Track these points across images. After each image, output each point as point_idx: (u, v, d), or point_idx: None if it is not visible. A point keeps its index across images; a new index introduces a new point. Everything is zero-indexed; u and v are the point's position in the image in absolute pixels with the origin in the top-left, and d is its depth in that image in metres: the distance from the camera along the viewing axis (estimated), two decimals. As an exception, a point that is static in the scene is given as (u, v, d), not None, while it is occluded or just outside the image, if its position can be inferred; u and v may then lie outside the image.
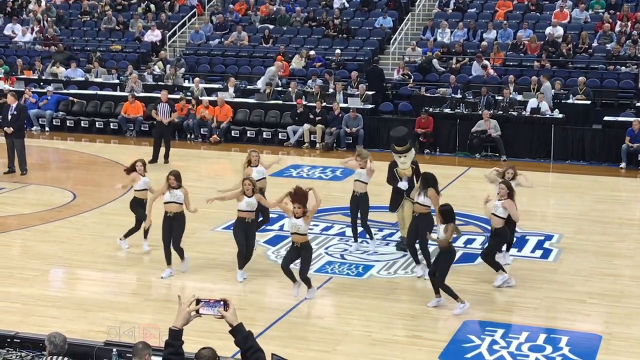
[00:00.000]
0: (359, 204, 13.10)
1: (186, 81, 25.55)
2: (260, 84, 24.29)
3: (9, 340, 7.84)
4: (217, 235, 13.97)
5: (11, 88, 24.84)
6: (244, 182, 11.82)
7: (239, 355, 5.20)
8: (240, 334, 5.05)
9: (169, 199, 11.94)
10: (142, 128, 23.42)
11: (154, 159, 19.94)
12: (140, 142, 22.87)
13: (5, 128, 18.62)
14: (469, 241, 13.69)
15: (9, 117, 18.55)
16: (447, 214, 10.71)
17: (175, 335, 5.13)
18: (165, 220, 11.98)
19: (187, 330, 5.18)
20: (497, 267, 11.66)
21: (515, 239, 12.89)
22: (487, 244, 12.27)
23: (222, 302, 5.01)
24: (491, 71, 24.25)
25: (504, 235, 11.75)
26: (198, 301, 5.06)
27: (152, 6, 30.53)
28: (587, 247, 13.81)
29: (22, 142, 18.68)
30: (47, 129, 24.25)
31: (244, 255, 11.90)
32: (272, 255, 13.05)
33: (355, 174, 13.22)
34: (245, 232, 11.81)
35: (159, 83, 25.25)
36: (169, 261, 12.05)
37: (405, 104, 23.35)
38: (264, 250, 13.24)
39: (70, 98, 24.67)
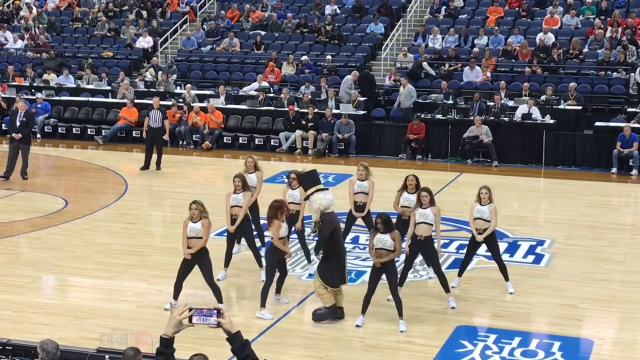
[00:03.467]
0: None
1: (178, 88, 25.54)
2: (341, 91, 23.66)
3: (0, 347, 7.83)
4: (211, 242, 13.91)
5: (3, 95, 24.82)
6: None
7: (231, 362, 5.19)
8: (238, 342, 5.03)
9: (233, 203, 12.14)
10: (134, 134, 23.40)
11: (146, 166, 19.94)
12: (132, 149, 22.85)
13: (14, 134, 18.69)
14: (461, 246, 13.70)
15: (18, 123, 18.67)
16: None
17: (167, 344, 5.12)
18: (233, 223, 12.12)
19: (180, 337, 5.17)
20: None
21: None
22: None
23: (215, 311, 4.97)
24: (488, 74, 24.34)
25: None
26: (190, 310, 5.04)
27: (144, 13, 30.54)
28: (578, 252, 13.84)
29: (28, 148, 18.95)
30: (38, 135, 24.19)
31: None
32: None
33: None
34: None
35: (151, 90, 25.24)
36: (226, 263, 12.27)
37: (397, 110, 23.38)
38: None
39: (34, 110, 24.27)
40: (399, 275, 10.97)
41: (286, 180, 12.97)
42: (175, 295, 10.96)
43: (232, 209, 12.07)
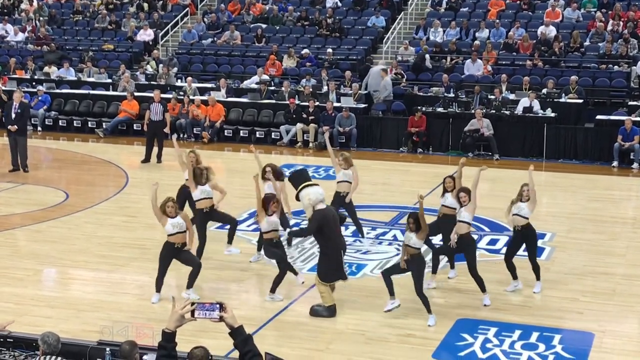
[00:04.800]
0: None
1: (179, 80, 25.53)
2: (372, 87, 23.61)
3: (2, 339, 7.85)
4: (210, 235, 13.94)
5: (4, 88, 24.81)
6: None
7: (232, 355, 5.20)
8: (240, 337, 5.03)
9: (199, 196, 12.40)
10: (135, 127, 23.39)
11: (147, 159, 19.94)
12: (133, 142, 22.84)
13: (10, 126, 18.70)
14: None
15: (13, 115, 18.69)
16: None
17: (169, 338, 5.12)
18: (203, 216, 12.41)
19: (180, 329, 5.18)
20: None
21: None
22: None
23: (218, 305, 4.97)
24: (489, 67, 24.32)
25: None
26: (193, 304, 5.04)
27: (145, 5, 30.50)
28: (579, 246, 13.85)
29: (25, 139, 18.93)
30: (39, 128, 24.20)
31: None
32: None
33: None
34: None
35: (152, 82, 25.23)
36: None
37: (398, 103, 23.37)
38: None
39: (35, 101, 24.27)
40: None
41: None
42: (159, 289, 11.03)
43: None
